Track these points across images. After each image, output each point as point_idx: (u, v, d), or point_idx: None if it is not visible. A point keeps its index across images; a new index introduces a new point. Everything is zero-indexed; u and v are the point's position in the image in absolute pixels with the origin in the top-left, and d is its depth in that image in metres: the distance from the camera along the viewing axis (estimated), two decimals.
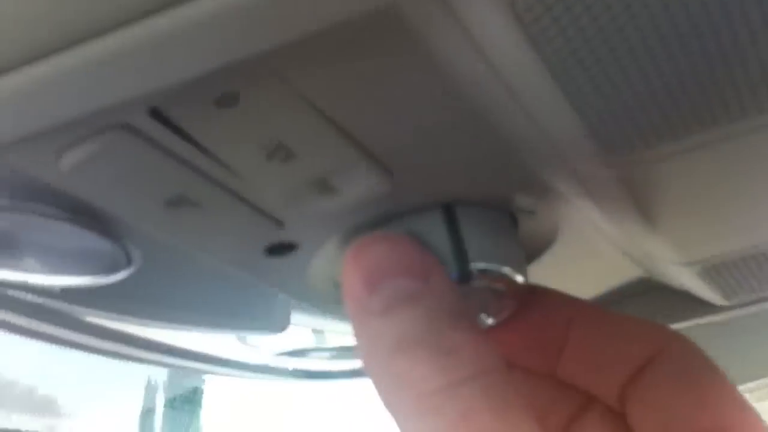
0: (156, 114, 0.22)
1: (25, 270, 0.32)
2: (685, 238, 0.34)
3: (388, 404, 0.25)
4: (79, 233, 0.29)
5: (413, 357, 0.24)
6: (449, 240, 0.29)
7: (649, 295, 0.52)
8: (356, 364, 0.75)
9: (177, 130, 0.22)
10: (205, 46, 0.19)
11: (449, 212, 0.30)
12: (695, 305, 0.51)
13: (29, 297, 0.41)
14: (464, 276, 0.29)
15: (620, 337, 0.31)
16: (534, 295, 0.33)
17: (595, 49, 0.21)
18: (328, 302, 0.35)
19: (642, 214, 0.31)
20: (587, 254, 0.40)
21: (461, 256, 0.29)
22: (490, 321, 0.33)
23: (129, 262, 0.32)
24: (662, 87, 0.22)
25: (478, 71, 0.21)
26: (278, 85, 0.21)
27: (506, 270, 0.30)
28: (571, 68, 0.21)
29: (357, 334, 0.26)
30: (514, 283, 0.30)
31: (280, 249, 0.30)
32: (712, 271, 0.39)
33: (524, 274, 0.31)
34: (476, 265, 0.29)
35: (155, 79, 0.20)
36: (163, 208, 0.25)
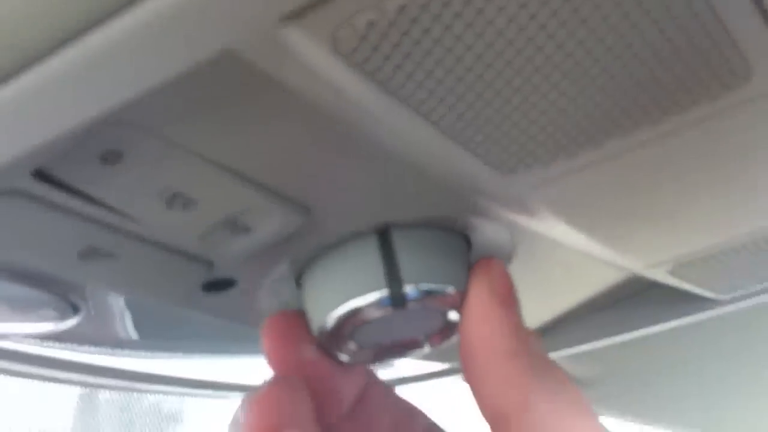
0: (42, 175, 0.22)
1: None
2: (631, 243, 0.33)
3: None
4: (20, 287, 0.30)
5: None
6: (382, 265, 0.29)
7: (643, 295, 0.51)
8: None
9: (69, 188, 0.23)
10: (63, 103, 0.19)
11: (384, 237, 0.30)
12: (691, 302, 0.50)
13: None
14: (398, 300, 0.29)
15: None
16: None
17: (442, 84, 0.20)
18: None
19: (575, 227, 0.30)
20: (556, 264, 0.39)
21: (394, 280, 0.29)
22: (426, 349, 0.33)
23: (76, 310, 0.32)
24: (535, 111, 0.22)
25: (342, 107, 0.21)
26: (157, 140, 0.22)
27: (448, 290, 0.30)
28: (427, 103, 0.21)
29: None
30: (461, 303, 0.30)
31: (217, 286, 0.30)
32: (683, 271, 0.38)
33: None
34: (413, 288, 0.29)
35: (23, 140, 0.20)
36: (77, 261, 0.26)
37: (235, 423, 0.28)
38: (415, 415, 0.35)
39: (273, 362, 0.31)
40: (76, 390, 0.97)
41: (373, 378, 0.34)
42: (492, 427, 0.29)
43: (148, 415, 1.08)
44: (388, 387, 0.35)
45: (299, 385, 0.29)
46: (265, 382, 0.29)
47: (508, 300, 0.30)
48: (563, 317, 0.50)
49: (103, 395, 1.01)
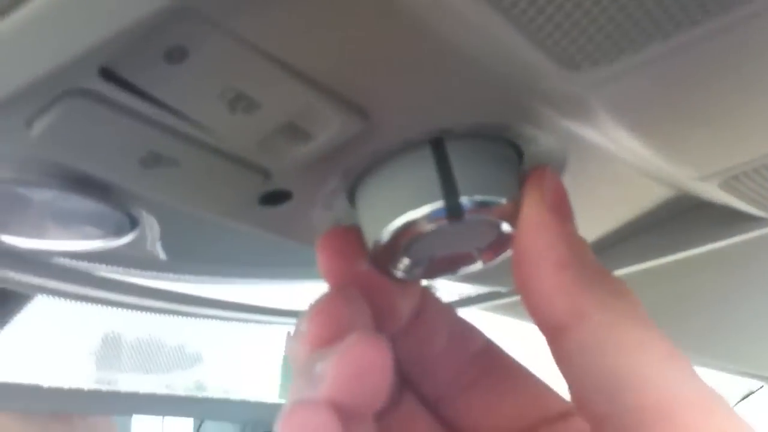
0: (108, 74, 0.22)
1: (47, 237, 0.33)
2: (687, 151, 0.33)
3: None
4: (83, 201, 0.30)
5: None
6: (438, 175, 0.29)
7: (689, 214, 0.50)
8: None
9: (133, 89, 0.23)
10: None
11: (438, 146, 0.29)
12: (738, 220, 0.49)
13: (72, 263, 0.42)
14: (454, 211, 0.29)
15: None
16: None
17: None
18: None
19: (632, 131, 0.30)
20: (606, 178, 0.39)
21: (450, 190, 0.29)
22: (479, 264, 0.33)
23: (134, 225, 0.32)
24: None
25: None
26: (223, 35, 0.22)
27: (502, 201, 0.30)
28: None
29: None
30: (513, 215, 0.30)
31: (274, 198, 0.31)
32: (733, 184, 0.37)
33: None
34: (468, 199, 0.29)
35: (91, 33, 0.20)
36: (139, 167, 0.26)
37: (296, 335, 0.29)
38: (472, 332, 0.35)
39: (329, 276, 0.31)
40: (99, 333, 0.99)
41: (429, 294, 0.34)
42: (549, 341, 0.29)
43: (170, 356, 1.10)
44: (444, 304, 0.35)
45: (357, 295, 0.30)
46: (323, 294, 0.30)
47: (562, 209, 0.30)
48: (609, 238, 0.49)
49: (126, 338, 1.03)
